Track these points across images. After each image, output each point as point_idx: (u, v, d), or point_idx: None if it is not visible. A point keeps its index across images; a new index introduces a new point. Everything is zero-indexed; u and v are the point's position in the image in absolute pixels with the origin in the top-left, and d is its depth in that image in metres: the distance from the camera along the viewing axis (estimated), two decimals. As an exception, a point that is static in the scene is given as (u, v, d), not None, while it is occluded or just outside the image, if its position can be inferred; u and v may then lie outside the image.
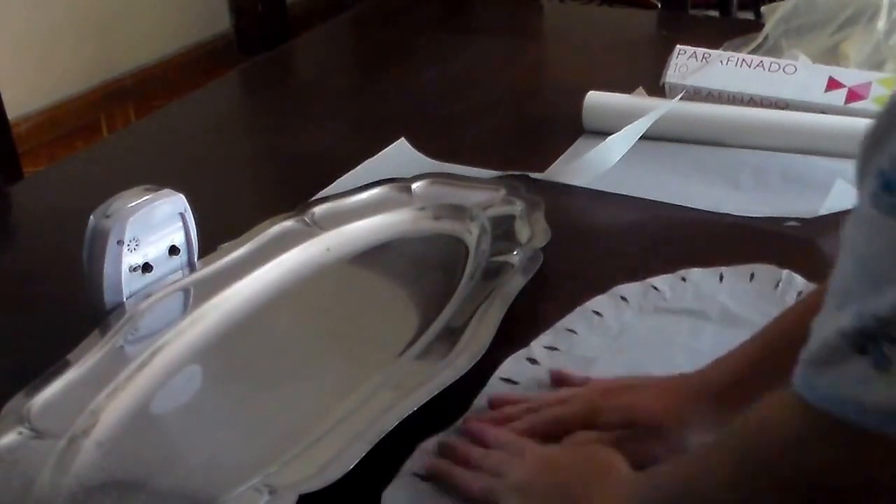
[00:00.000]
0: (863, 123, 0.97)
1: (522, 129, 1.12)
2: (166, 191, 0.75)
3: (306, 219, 0.84)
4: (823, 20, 1.12)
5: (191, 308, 0.74)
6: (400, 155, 1.02)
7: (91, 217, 0.72)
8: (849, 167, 0.96)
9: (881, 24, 1.09)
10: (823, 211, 0.87)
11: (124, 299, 0.72)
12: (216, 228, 0.81)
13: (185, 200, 0.75)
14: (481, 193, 0.89)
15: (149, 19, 3.02)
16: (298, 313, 0.78)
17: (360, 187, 0.90)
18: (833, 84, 1.02)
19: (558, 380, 0.68)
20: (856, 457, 0.40)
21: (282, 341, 0.75)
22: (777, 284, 0.76)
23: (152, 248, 0.74)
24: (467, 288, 0.76)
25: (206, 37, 3.22)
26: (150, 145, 1.12)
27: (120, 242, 0.71)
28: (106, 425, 0.63)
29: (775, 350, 0.57)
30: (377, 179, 0.91)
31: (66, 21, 2.79)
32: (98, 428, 0.63)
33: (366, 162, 1.00)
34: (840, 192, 0.88)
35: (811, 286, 0.74)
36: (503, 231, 0.83)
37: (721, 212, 0.89)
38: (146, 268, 0.74)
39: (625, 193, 0.93)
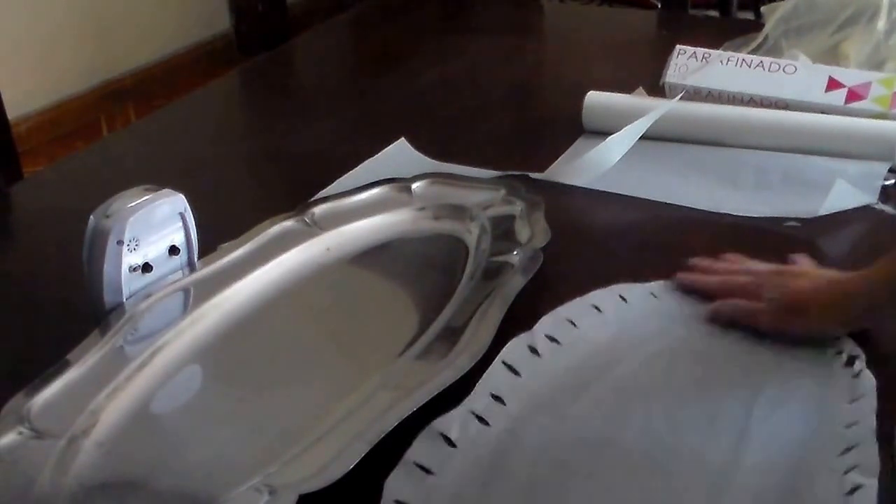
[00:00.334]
0: (863, 123, 0.98)
1: (522, 129, 1.12)
2: (166, 191, 0.75)
3: (306, 219, 0.84)
4: (823, 20, 1.12)
5: (191, 308, 0.74)
6: (400, 155, 1.02)
7: (91, 217, 0.72)
8: (849, 167, 0.97)
9: (881, 24, 1.09)
10: (823, 211, 0.87)
11: (124, 299, 0.72)
12: (216, 228, 0.81)
13: (185, 200, 0.75)
14: (481, 193, 0.89)
15: (149, 19, 3.03)
16: (298, 313, 0.78)
17: (360, 187, 0.90)
18: (833, 84, 1.02)
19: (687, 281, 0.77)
20: None
21: (282, 341, 0.75)
22: None
23: (152, 248, 0.74)
24: (467, 288, 0.76)
25: (206, 37, 3.22)
26: (150, 145, 1.12)
27: (120, 242, 0.71)
28: (106, 425, 0.63)
29: None
30: (377, 179, 0.91)
31: (66, 21, 2.79)
32: (98, 428, 0.63)
33: (366, 162, 1.00)
34: (840, 192, 0.88)
35: None
36: (503, 231, 0.83)
37: (721, 212, 0.89)
38: (146, 268, 0.73)
39: (625, 193, 0.93)
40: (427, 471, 0.59)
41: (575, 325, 0.73)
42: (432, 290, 0.78)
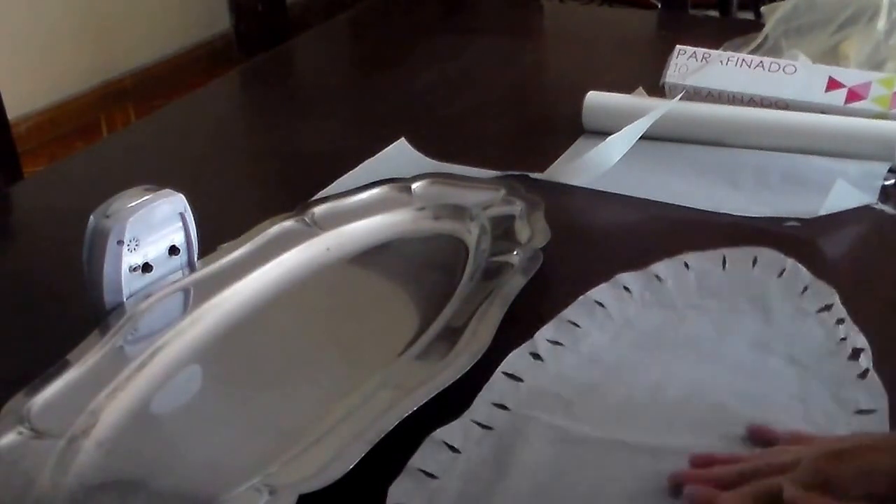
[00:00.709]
0: (863, 123, 0.98)
1: (522, 129, 1.12)
2: (166, 191, 0.75)
3: (306, 219, 0.84)
4: (823, 20, 1.12)
5: (191, 308, 0.74)
6: (400, 155, 1.02)
7: (91, 217, 0.72)
8: (849, 167, 0.97)
9: (881, 24, 1.09)
10: (823, 211, 0.87)
11: (124, 299, 0.72)
12: (216, 228, 0.81)
13: (185, 200, 0.75)
14: (481, 193, 0.89)
15: (149, 19, 3.03)
16: (298, 313, 0.78)
17: (360, 187, 0.90)
18: (833, 84, 1.02)
19: (758, 435, 0.60)
20: None
21: (282, 341, 0.75)
22: (781, 273, 0.77)
23: (152, 248, 0.74)
24: (467, 288, 0.76)
25: (206, 37, 3.22)
26: (150, 145, 1.12)
27: (120, 242, 0.71)
28: (106, 425, 0.63)
29: None
30: (377, 179, 0.91)
31: (66, 21, 2.79)
32: (98, 428, 0.63)
33: (366, 162, 1.00)
34: (840, 192, 0.88)
35: (819, 282, 0.74)
36: (503, 231, 0.83)
37: (721, 212, 0.89)
38: (146, 268, 0.74)
39: (625, 193, 0.93)
40: (430, 475, 0.59)
41: (577, 325, 0.73)
42: (432, 290, 0.78)
